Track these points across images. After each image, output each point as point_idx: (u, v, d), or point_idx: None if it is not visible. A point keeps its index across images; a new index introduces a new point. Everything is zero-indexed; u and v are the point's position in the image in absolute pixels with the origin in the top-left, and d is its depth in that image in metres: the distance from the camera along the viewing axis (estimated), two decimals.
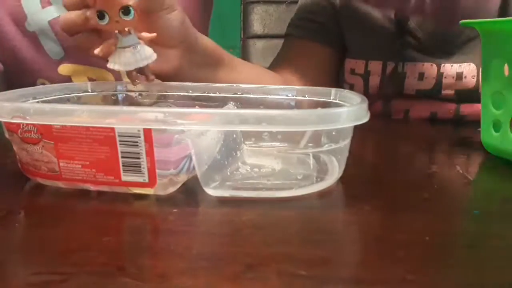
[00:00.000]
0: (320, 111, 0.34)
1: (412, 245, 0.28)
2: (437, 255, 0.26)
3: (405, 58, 0.72)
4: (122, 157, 0.33)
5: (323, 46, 0.79)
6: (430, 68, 0.71)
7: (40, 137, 0.34)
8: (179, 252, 0.27)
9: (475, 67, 0.69)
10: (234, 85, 0.48)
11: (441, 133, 0.65)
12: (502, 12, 0.68)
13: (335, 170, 0.37)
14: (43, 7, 0.58)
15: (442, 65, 0.71)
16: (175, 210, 0.32)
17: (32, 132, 0.34)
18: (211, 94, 0.47)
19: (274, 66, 0.78)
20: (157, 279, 0.23)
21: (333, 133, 0.36)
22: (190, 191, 0.34)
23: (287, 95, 0.47)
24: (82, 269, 0.24)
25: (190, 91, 0.48)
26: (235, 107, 0.45)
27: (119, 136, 0.32)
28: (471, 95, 0.70)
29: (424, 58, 0.72)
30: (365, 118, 0.35)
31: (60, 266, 0.25)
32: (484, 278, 0.24)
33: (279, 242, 0.28)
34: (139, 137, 0.32)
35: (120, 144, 0.32)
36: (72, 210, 0.32)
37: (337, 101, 0.44)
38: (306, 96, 0.46)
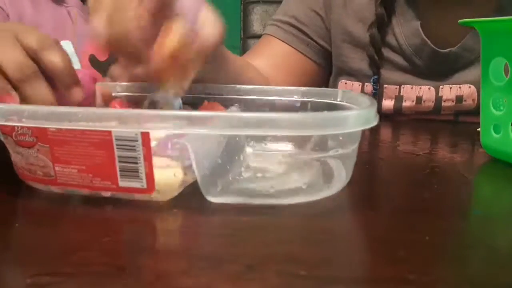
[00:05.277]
0: (326, 114, 0.32)
1: (412, 245, 0.28)
2: (437, 255, 0.27)
3: (402, 81, 0.72)
4: (119, 161, 0.32)
5: (306, 57, 0.78)
6: (428, 92, 0.70)
7: (35, 140, 0.33)
8: (179, 252, 0.27)
9: (475, 90, 0.69)
10: (238, 86, 0.47)
11: (441, 133, 0.65)
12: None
13: (342, 176, 0.36)
14: None
15: (441, 87, 0.70)
16: (175, 210, 0.32)
17: (27, 135, 0.33)
18: (215, 96, 0.47)
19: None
20: (157, 279, 0.24)
21: (340, 138, 0.35)
22: (191, 192, 0.34)
23: (292, 97, 0.46)
24: (82, 269, 0.24)
25: (192, 93, 0.47)
26: (239, 109, 0.44)
27: (116, 140, 0.32)
28: (469, 114, 0.69)
29: (422, 82, 0.71)
30: (373, 121, 0.34)
31: (60, 266, 0.25)
32: (485, 278, 0.25)
33: (279, 242, 0.28)
34: (137, 141, 0.31)
35: (117, 148, 0.32)
36: (72, 210, 0.32)
37: (344, 103, 0.43)
38: (312, 98, 0.46)
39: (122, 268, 0.25)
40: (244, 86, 0.47)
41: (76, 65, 0.82)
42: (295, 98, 0.46)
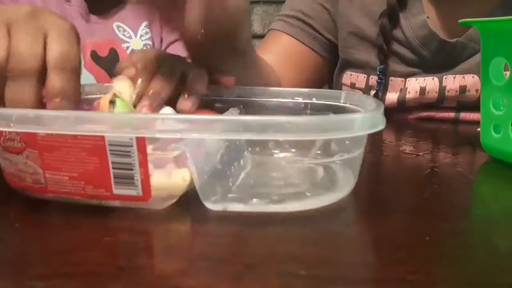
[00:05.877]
0: (330, 118, 0.31)
1: (412, 245, 0.29)
2: (437, 255, 0.27)
3: (409, 74, 0.73)
4: (113, 168, 0.31)
5: (313, 51, 0.79)
6: (431, 82, 0.71)
7: (23, 145, 0.32)
8: (179, 252, 0.27)
9: (478, 80, 0.70)
10: (240, 87, 0.47)
11: (441, 132, 0.66)
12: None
13: (348, 182, 0.36)
14: None
15: (444, 77, 0.72)
16: (175, 211, 0.33)
17: (15, 141, 0.32)
18: (216, 97, 0.47)
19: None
20: (157, 279, 0.24)
21: (346, 142, 0.34)
22: (191, 193, 0.34)
23: (295, 99, 0.46)
24: (82, 269, 0.25)
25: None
26: (238, 112, 0.44)
27: (109, 145, 0.31)
28: (472, 106, 0.71)
29: (427, 74, 0.72)
30: (381, 125, 0.33)
31: (60, 266, 0.26)
32: (484, 278, 0.25)
33: (279, 242, 0.29)
34: (132, 146, 0.30)
35: (111, 154, 0.31)
36: (72, 210, 0.32)
37: (348, 104, 0.42)
38: (314, 99, 0.45)
39: (122, 268, 0.25)
40: (246, 87, 0.47)
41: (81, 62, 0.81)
42: (299, 100, 0.46)
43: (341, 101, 0.43)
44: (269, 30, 0.82)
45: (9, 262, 0.27)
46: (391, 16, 0.72)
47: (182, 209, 0.33)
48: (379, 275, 0.26)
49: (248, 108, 0.46)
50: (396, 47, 0.74)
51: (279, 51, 0.78)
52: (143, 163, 0.31)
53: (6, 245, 0.29)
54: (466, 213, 0.36)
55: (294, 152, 0.40)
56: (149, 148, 0.31)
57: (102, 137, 0.30)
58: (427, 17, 0.71)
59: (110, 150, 0.31)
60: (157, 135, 0.30)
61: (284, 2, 0.85)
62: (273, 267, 0.26)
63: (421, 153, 0.53)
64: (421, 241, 0.29)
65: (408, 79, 0.73)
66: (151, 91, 0.43)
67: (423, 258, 0.27)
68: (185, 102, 0.44)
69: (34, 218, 0.33)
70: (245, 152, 0.40)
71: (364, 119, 0.32)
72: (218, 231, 0.31)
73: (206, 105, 0.46)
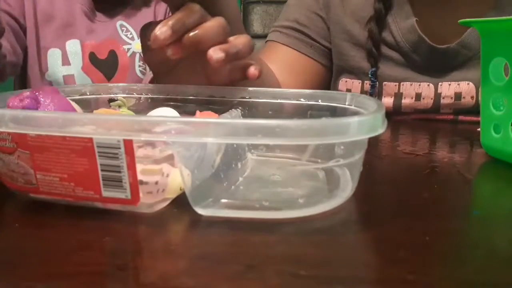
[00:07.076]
0: (325, 121, 0.30)
1: (412, 245, 0.29)
2: (437, 255, 0.27)
3: (402, 78, 0.75)
4: (101, 170, 0.32)
5: (312, 59, 0.81)
6: (427, 89, 0.72)
7: (15, 146, 0.32)
8: (179, 252, 0.28)
9: (474, 87, 0.72)
10: (241, 88, 0.48)
11: (441, 132, 0.66)
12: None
13: (347, 187, 0.35)
14: (62, 64, 0.78)
15: (440, 84, 0.73)
16: (175, 210, 0.32)
17: (7, 141, 0.33)
18: (216, 98, 0.47)
19: None
20: (157, 279, 0.24)
21: (342, 147, 0.33)
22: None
23: (299, 100, 0.46)
24: (82, 269, 0.25)
25: (194, 95, 0.46)
26: (239, 113, 0.43)
27: (97, 147, 0.31)
28: (469, 113, 0.71)
29: (421, 78, 0.74)
30: (380, 129, 0.32)
31: (60, 266, 0.26)
32: (484, 278, 0.25)
33: (279, 242, 0.29)
34: (119, 148, 0.31)
35: (99, 156, 0.31)
36: (71, 210, 0.32)
37: (352, 106, 0.42)
38: (319, 101, 0.45)
39: (122, 268, 0.25)
40: (249, 89, 0.47)
41: (79, 64, 0.80)
42: (302, 101, 0.46)
43: (346, 103, 0.43)
44: (266, 41, 0.84)
45: (9, 262, 0.27)
46: (379, 20, 0.74)
47: (181, 209, 0.34)
48: (379, 275, 0.27)
49: (251, 109, 0.47)
50: (388, 51, 0.75)
51: (278, 62, 0.79)
52: (131, 166, 0.31)
53: (6, 245, 0.30)
54: (466, 213, 0.37)
55: (293, 155, 0.40)
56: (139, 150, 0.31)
57: (90, 139, 0.31)
58: (416, 20, 0.72)
59: (98, 152, 0.31)
60: (144, 138, 0.30)
61: (284, 2, 0.85)
62: (273, 267, 0.27)
63: (420, 153, 0.53)
64: (421, 241, 0.30)
65: (402, 83, 0.75)
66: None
67: (423, 258, 0.28)
68: (217, 50, 0.42)
69: (34, 218, 0.34)
70: (247, 154, 0.39)
71: (360, 123, 0.30)
72: (218, 232, 0.32)
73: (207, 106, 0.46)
